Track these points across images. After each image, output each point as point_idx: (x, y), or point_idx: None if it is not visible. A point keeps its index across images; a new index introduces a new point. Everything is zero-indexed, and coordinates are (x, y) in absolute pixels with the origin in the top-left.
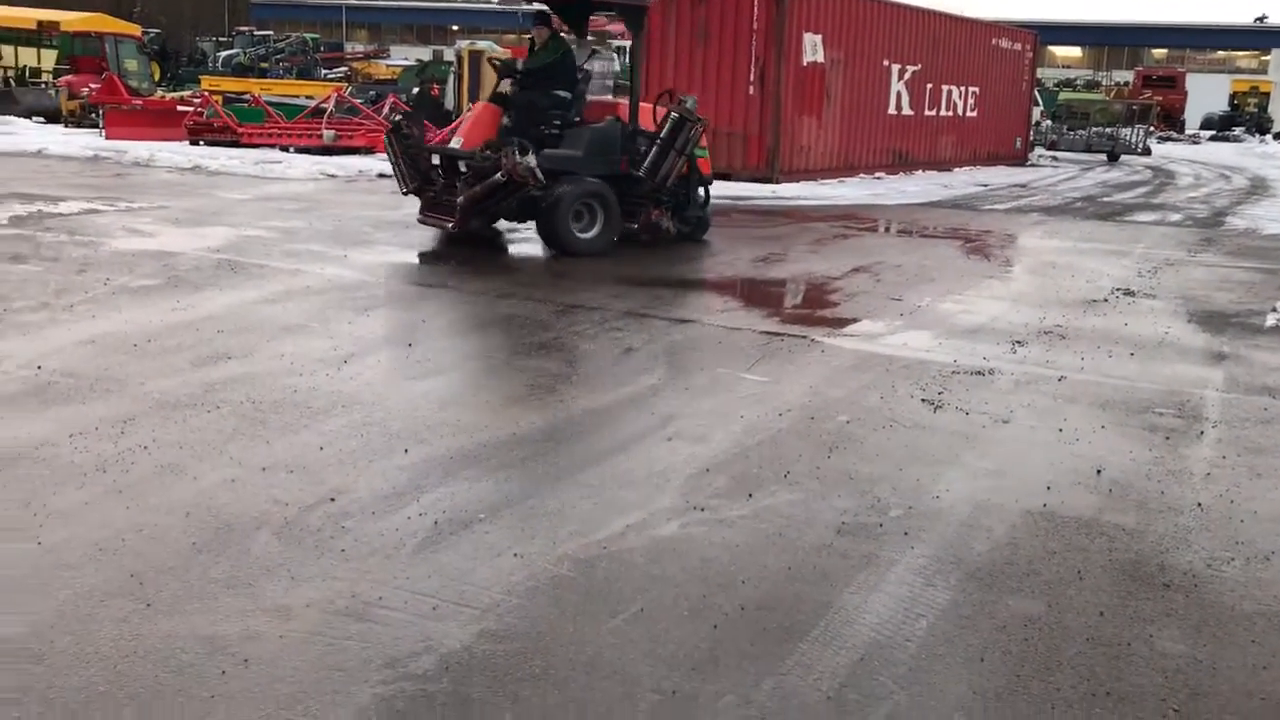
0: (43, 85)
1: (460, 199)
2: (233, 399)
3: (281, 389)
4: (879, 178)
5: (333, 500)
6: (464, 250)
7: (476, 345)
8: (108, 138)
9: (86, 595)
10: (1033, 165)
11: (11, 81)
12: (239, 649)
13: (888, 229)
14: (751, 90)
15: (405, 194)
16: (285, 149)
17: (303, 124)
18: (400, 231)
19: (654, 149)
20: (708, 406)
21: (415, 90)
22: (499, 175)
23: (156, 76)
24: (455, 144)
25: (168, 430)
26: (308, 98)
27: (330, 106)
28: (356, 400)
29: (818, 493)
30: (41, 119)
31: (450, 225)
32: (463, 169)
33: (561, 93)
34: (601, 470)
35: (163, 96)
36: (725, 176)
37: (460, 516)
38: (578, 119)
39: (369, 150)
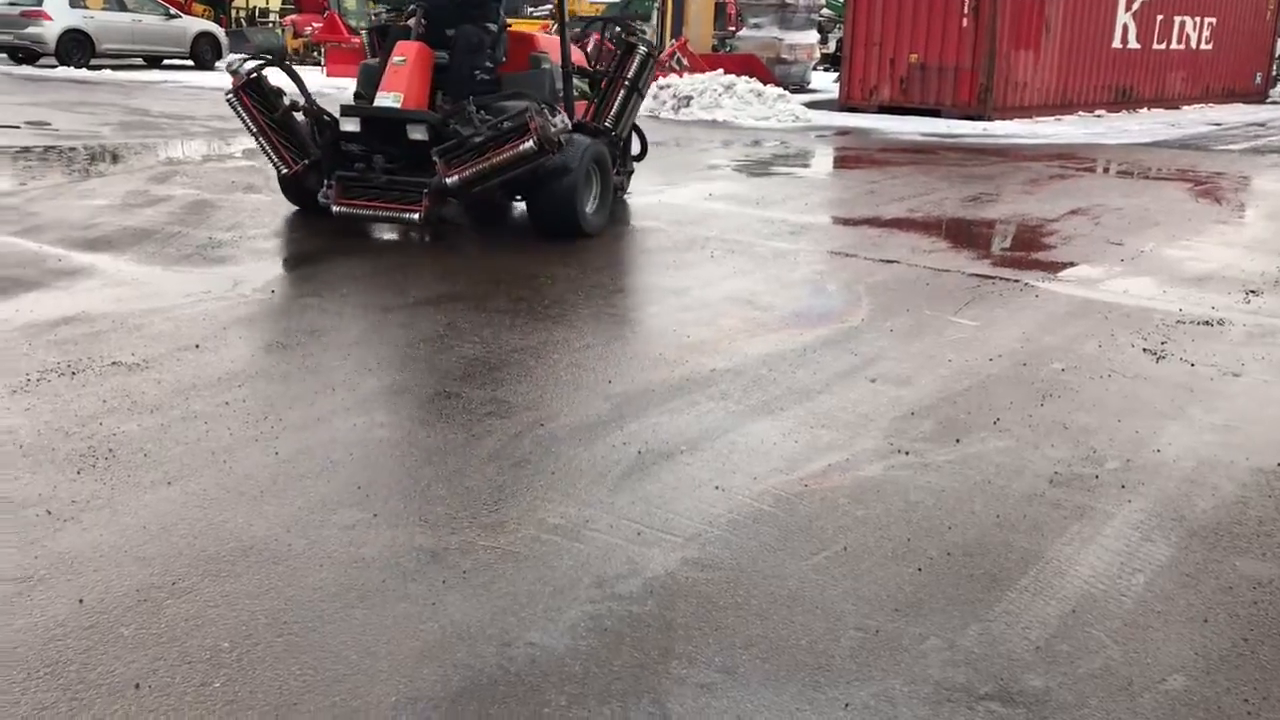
0: (270, 24)
1: (450, 178)
2: None
3: None
4: (1099, 116)
5: (541, 426)
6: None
7: (678, 280)
8: (328, 75)
9: (319, 504)
10: (1274, 103)
11: (243, 22)
12: (457, 560)
13: (1108, 170)
14: (965, 22)
15: (287, 176)
16: None
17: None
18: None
19: (619, 93)
20: (913, 349)
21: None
22: (529, 143)
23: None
24: (387, 101)
25: (390, 354)
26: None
27: None
28: (563, 333)
29: (1029, 441)
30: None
31: (415, 215)
32: (416, 136)
33: (490, 25)
34: (802, 409)
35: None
36: (933, 113)
37: (662, 448)
38: (504, 58)
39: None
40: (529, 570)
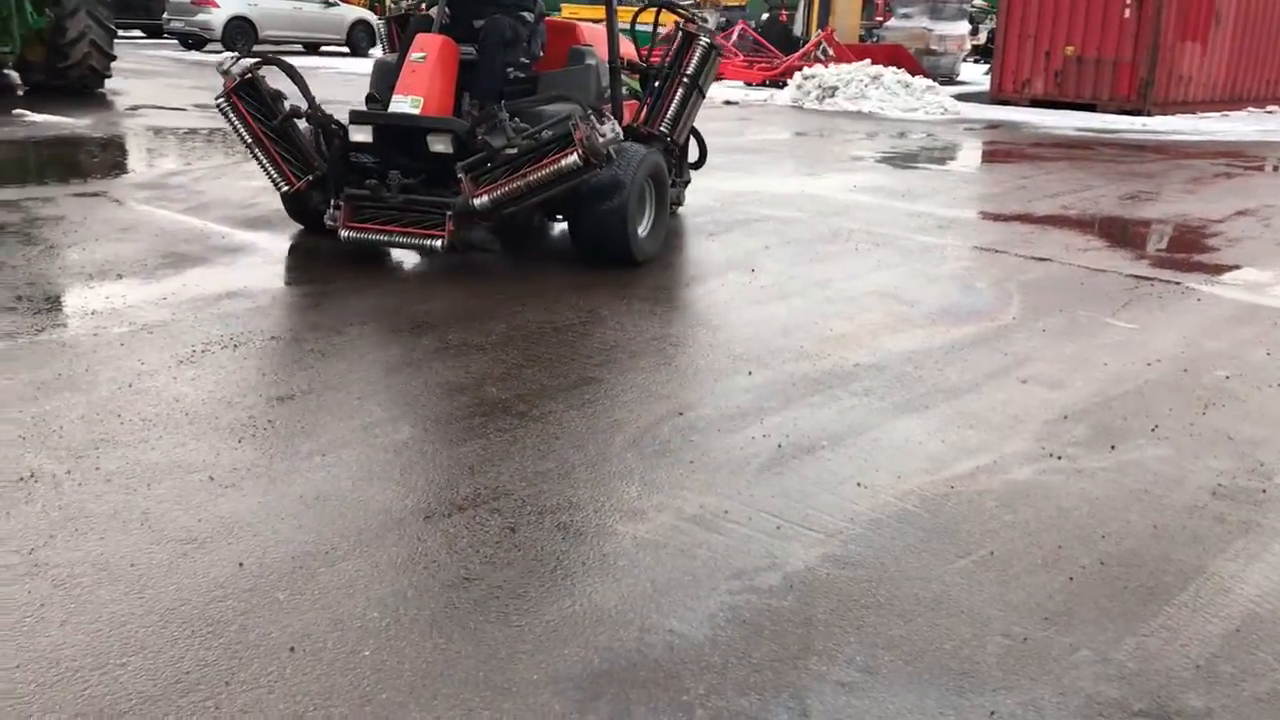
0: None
1: (478, 199)
2: None
3: None
4: (1270, 112)
5: (680, 415)
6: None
7: (820, 272)
8: None
9: (460, 482)
10: None
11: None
12: (596, 545)
13: (1279, 169)
14: (1127, 13)
15: (287, 193)
16: None
17: (653, 51)
18: (742, 156)
19: (676, 91)
20: (1066, 351)
21: (765, 16)
22: (573, 158)
23: None
24: (404, 106)
25: (533, 335)
26: (660, 25)
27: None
28: (702, 321)
29: (1190, 451)
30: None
31: (438, 243)
32: (439, 148)
33: (525, 13)
34: (949, 408)
35: None
36: (1089, 107)
37: (803, 442)
38: (541, 53)
39: (717, 77)
40: (667, 558)
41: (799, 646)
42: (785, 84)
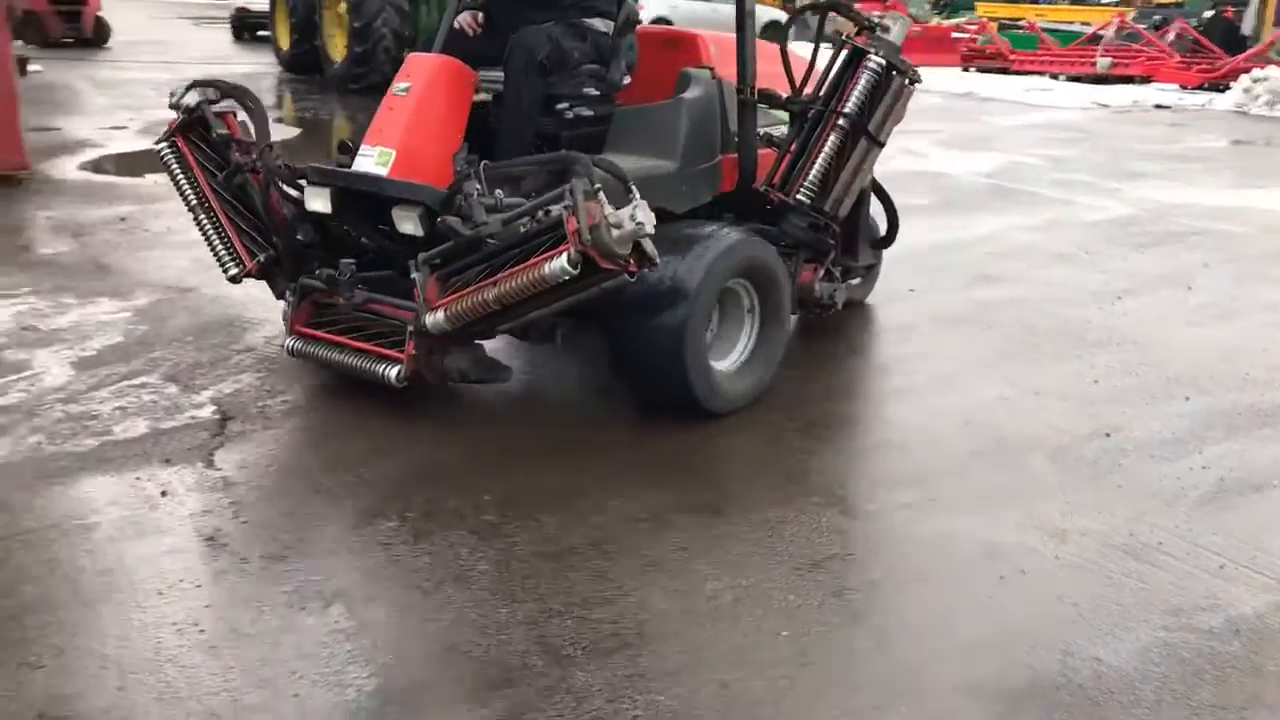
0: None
1: (432, 314)
2: (1004, 320)
3: (1052, 317)
4: None
5: (1107, 435)
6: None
7: (1269, 294)
8: None
9: (877, 480)
10: None
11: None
12: (1016, 559)
13: None
14: None
15: (235, 279)
16: (1055, 76)
17: (1076, 51)
18: (1174, 165)
19: (829, 137)
20: None
21: (1208, 14)
22: (562, 263)
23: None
24: (368, 162)
25: (945, 341)
26: (1084, 24)
27: (1109, 33)
28: (1131, 338)
29: None
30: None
31: (392, 372)
32: (406, 228)
33: (597, 23)
34: None
35: (938, 23)
36: None
37: (1250, 478)
38: (626, 78)
39: (1145, 79)
40: (1091, 584)
41: (1245, 696)
42: (1227, 87)
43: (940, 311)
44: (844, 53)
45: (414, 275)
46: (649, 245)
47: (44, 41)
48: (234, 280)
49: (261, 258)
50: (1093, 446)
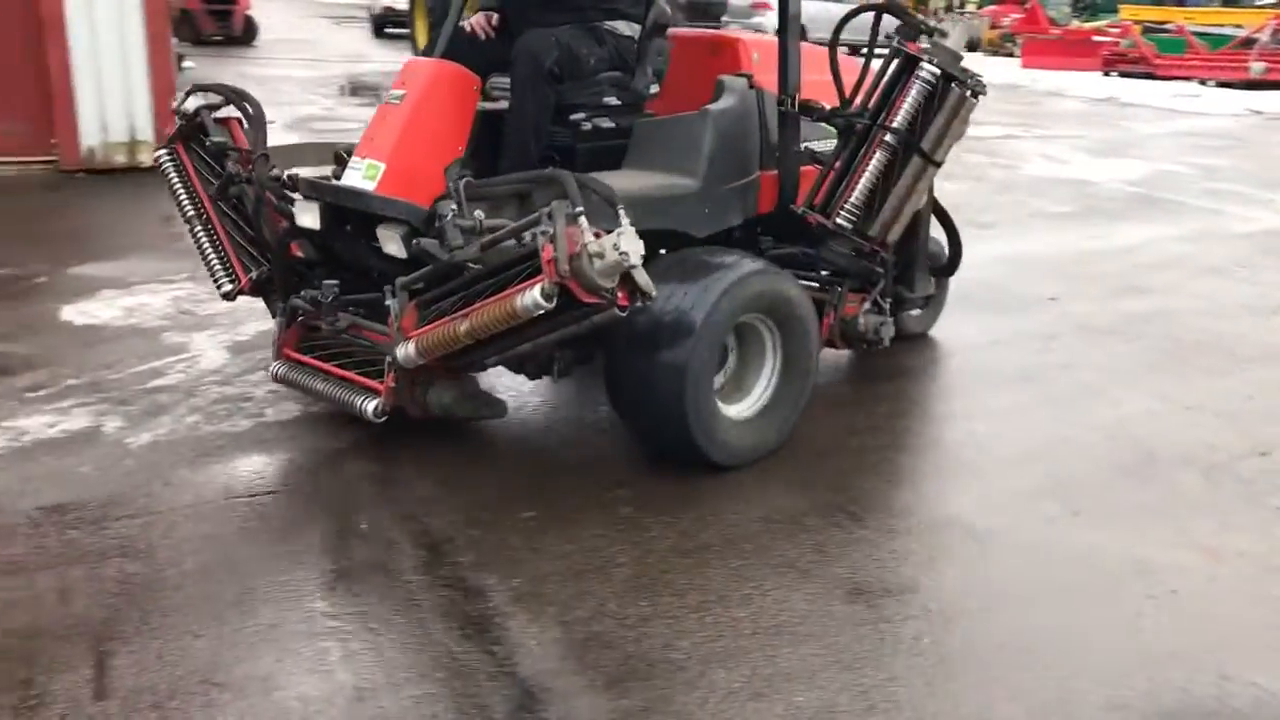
0: (966, 16)
1: (404, 345)
2: (1152, 332)
3: (1203, 330)
4: None
5: (1264, 455)
6: None
7: None
8: (1023, 66)
9: (1017, 491)
10: None
11: (940, 13)
12: (1166, 578)
13: None
14: None
15: (229, 296)
16: (1203, 82)
17: (1227, 55)
18: None
19: (875, 154)
20: None
21: None
22: (533, 296)
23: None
24: (356, 176)
25: (1089, 352)
26: (1236, 27)
27: (1264, 36)
28: None
29: None
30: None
31: (370, 405)
32: (390, 248)
33: (620, 26)
34: None
35: (1079, 26)
36: None
37: None
38: (654, 87)
39: (1255, 84)
40: (1249, 606)
41: None
42: None
43: (1084, 321)
44: (895, 61)
45: (388, 302)
46: (642, 277)
47: (196, 39)
48: (227, 297)
49: (255, 274)
50: (1248, 465)
